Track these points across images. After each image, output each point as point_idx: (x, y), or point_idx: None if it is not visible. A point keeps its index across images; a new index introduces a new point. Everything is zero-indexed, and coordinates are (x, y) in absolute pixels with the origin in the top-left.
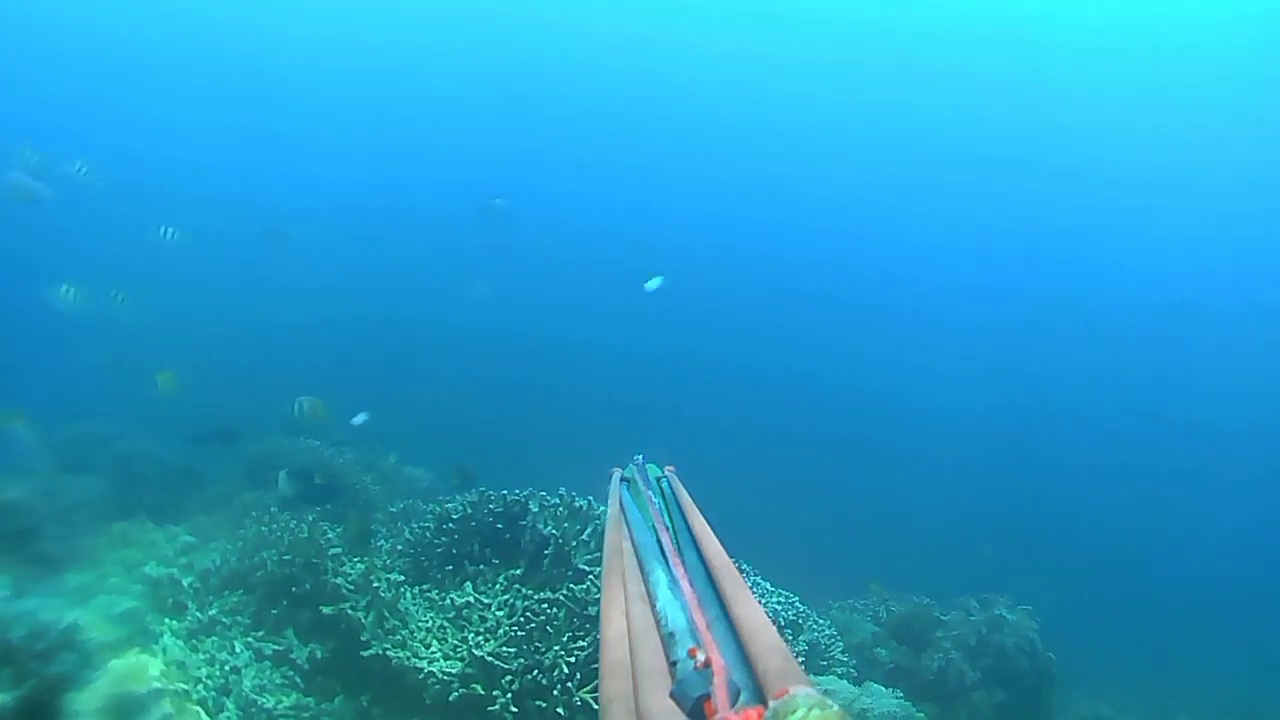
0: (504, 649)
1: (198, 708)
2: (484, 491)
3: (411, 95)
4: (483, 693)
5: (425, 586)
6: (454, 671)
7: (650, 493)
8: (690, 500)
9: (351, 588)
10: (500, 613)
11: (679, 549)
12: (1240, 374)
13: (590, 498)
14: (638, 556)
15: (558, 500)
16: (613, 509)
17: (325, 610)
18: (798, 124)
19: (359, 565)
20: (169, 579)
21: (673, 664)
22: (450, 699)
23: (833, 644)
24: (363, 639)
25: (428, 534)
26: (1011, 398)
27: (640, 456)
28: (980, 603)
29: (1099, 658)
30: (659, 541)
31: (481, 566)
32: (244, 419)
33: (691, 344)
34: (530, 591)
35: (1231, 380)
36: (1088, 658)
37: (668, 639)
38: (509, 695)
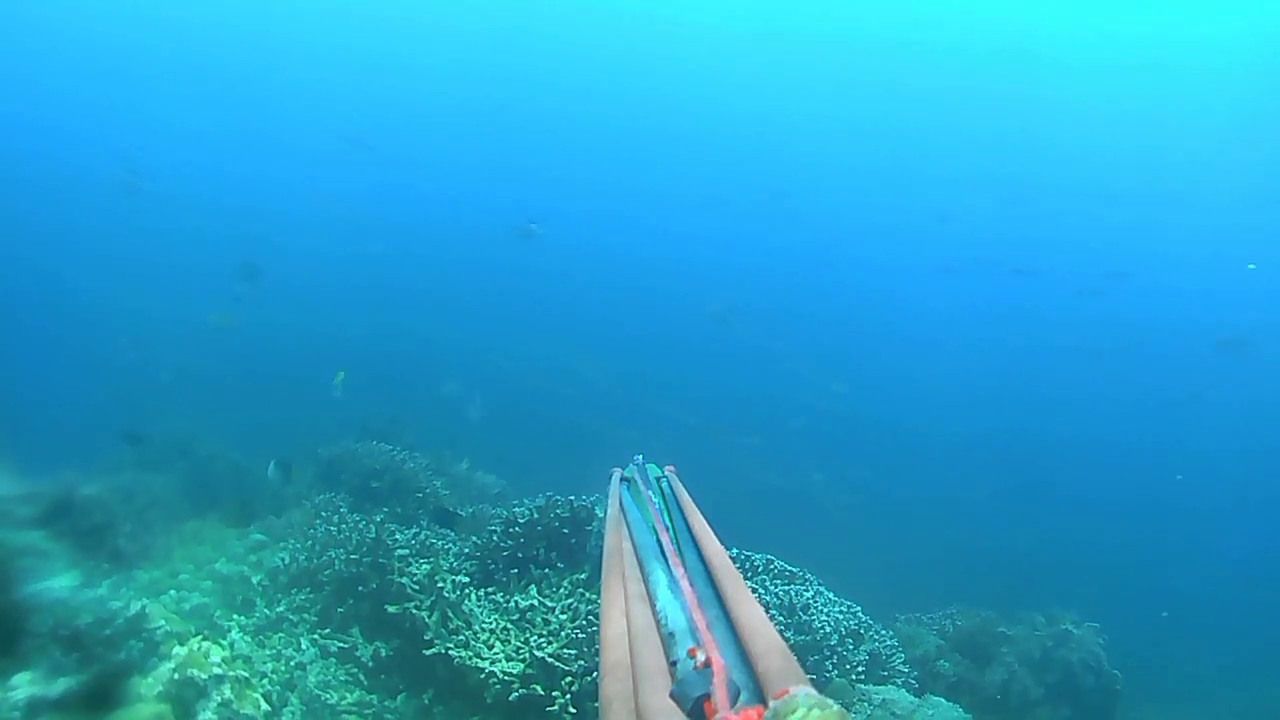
0: (565, 651)
1: (258, 695)
2: (551, 496)
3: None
4: (543, 693)
5: (490, 589)
6: (515, 672)
7: (650, 492)
8: (690, 500)
9: (417, 588)
10: (563, 616)
11: (679, 549)
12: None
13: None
14: (638, 556)
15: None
16: (613, 509)
17: (390, 609)
18: (796, 143)
19: (424, 566)
20: (238, 576)
21: (673, 664)
22: (511, 699)
23: (894, 655)
24: (426, 638)
25: (494, 537)
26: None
27: (640, 456)
28: (1047, 618)
29: (1165, 675)
30: (659, 541)
31: (546, 570)
32: (321, 424)
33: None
34: (594, 596)
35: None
36: (1154, 674)
37: (668, 639)
38: (568, 696)
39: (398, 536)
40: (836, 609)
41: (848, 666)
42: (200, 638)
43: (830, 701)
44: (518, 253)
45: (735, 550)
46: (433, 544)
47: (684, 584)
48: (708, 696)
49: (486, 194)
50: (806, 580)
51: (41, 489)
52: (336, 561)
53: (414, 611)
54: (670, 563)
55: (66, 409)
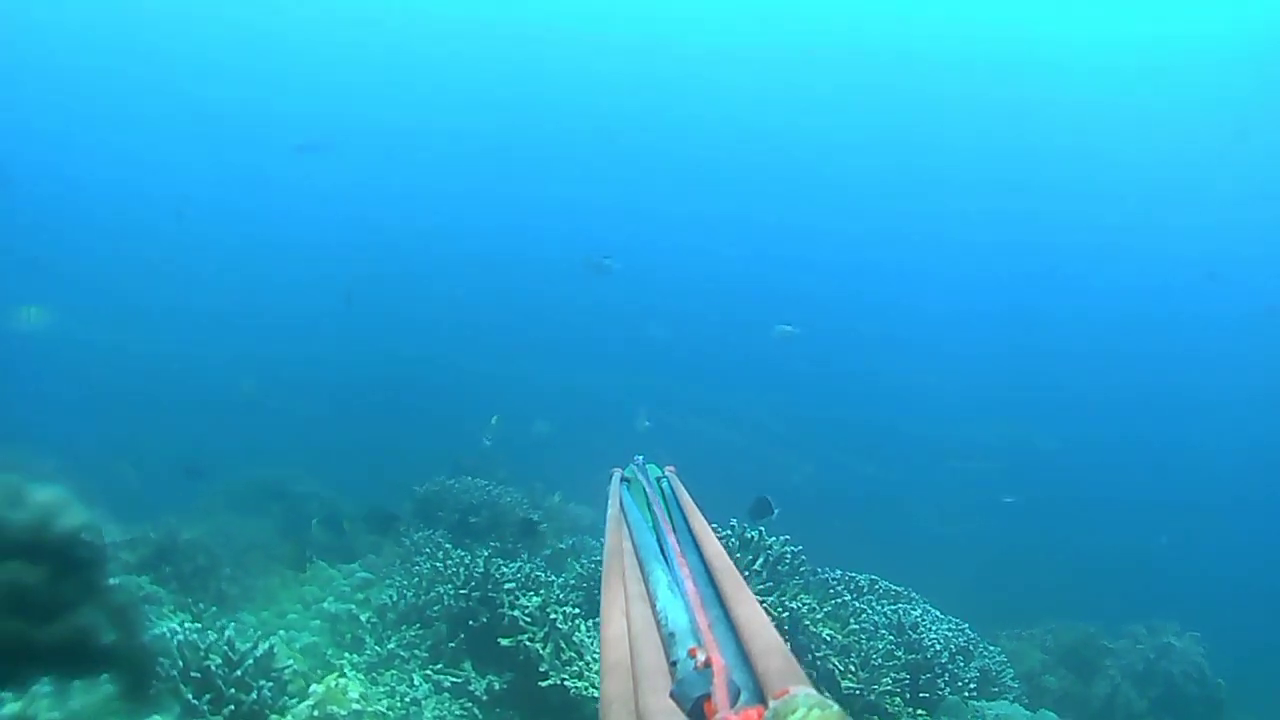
0: None
1: None
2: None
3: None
4: None
5: (599, 620)
6: None
7: (652, 492)
8: (690, 500)
9: (529, 620)
10: None
11: (681, 548)
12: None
13: (761, 529)
14: (638, 556)
15: (729, 531)
16: (613, 509)
17: (504, 642)
18: (801, 153)
19: (535, 599)
20: (347, 614)
21: (673, 664)
22: None
23: (1004, 671)
24: (541, 670)
25: (599, 568)
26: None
27: (640, 456)
28: (1149, 629)
29: (1271, 679)
30: (659, 542)
31: None
32: (412, 461)
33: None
34: None
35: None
36: (1257, 682)
37: (668, 639)
38: None
39: (504, 570)
40: (944, 626)
41: (959, 684)
42: (337, 674)
43: (830, 702)
44: (593, 287)
45: (839, 571)
46: (538, 576)
47: (688, 583)
48: (708, 696)
49: (550, 228)
50: (912, 599)
51: (143, 533)
52: (445, 597)
53: (527, 644)
54: (674, 562)
55: (154, 453)
